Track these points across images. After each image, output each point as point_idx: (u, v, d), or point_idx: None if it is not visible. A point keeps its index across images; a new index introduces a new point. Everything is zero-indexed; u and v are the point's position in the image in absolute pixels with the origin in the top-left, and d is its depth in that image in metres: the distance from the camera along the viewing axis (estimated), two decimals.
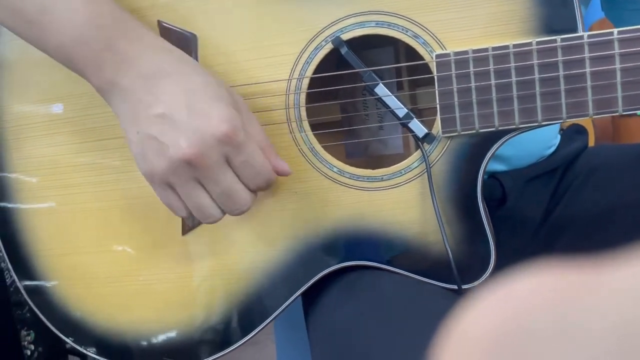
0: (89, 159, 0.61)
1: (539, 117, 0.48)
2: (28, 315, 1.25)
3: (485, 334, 0.14)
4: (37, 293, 0.64)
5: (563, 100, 0.47)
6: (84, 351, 0.64)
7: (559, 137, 0.77)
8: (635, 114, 2.11)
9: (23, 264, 0.63)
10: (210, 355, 0.61)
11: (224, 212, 0.51)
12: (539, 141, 0.73)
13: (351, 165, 0.55)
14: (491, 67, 0.49)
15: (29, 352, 1.27)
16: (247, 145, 0.49)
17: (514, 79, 0.48)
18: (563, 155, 0.75)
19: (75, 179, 0.61)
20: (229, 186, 0.49)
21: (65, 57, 0.51)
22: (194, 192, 0.50)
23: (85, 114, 0.60)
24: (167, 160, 0.48)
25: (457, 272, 0.51)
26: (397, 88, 0.63)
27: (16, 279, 0.64)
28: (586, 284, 0.14)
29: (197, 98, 0.48)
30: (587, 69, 0.47)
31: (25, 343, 1.26)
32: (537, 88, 0.48)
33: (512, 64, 0.48)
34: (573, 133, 0.79)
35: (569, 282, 0.14)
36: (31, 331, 1.27)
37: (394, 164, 0.55)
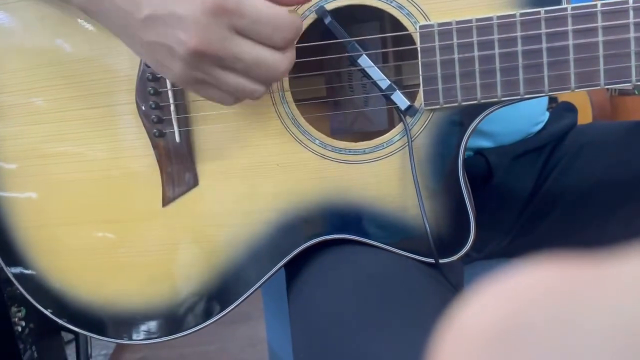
0: (67, 129, 0.60)
1: (522, 90, 0.48)
2: (18, 291, 1.23)
3: (485, 330, 0.14)
4: (17, 265, 0.64)
5: (545, 73, 0.47)
6: (65, 324, 0.63)
7: (547, 114, 0.77)
8: (634, 93, 2.09)
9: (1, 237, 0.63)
10: (193, 326, 0.61)
11: (264, 83, 0.48)
12: (526, 117, 0.72)
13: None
14: (474, 38, 0.48)
15: (19, 329, 1.25)
16: (244, 3, 0.43)
17: (497, 50, 0.47)
18: (551, 133, 0.74)
19: (53, 149, 0.60)
20: (252, 56, 0.45)
21: None
22: (222, 78, 0.46)
23: (62, 83, 0.59)
24: (179, 60, 0.45)
25: (434, 246, 0.51)
26: (382, 61, 0.62)
27: None
28: (590, 280, 0.13)
29: None
30: (570, 42, 0.46)
31: (16, 319, 1.25)
32: (520, 60, 0.47)
33: (496, 36, 0.47)
34: (562, 110, 0.79)
35: (572, 278, 0.14)
36: (22, 307, 1.26)
37: None
